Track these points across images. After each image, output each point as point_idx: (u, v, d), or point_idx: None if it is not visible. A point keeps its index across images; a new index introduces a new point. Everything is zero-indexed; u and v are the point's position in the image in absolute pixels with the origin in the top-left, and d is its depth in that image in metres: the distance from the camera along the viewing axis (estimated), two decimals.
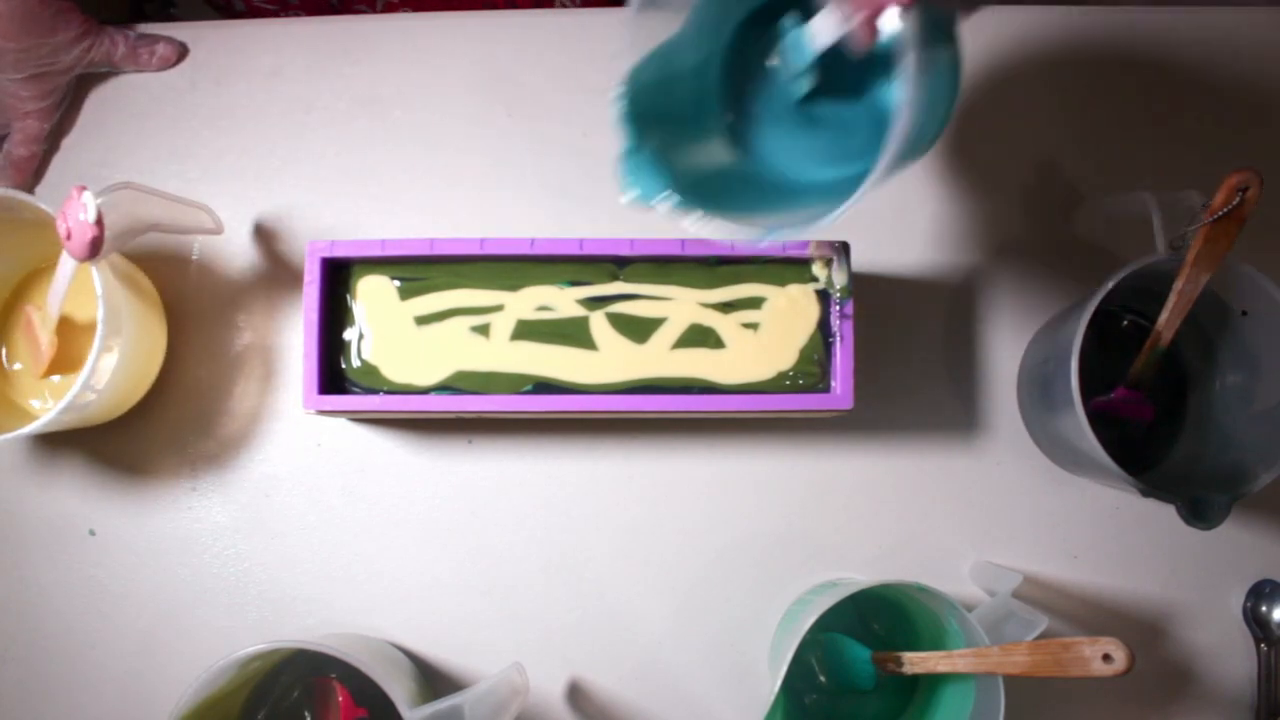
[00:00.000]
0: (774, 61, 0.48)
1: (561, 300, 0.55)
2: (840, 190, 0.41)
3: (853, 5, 0.38)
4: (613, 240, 0.54)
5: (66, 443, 0.61)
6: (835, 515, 0.60)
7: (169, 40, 0.64)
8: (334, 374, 0.55)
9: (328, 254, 0.54)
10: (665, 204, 0.45)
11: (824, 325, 0.54)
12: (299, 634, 0.60)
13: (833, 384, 0.54)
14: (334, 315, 0.55)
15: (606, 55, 0.64)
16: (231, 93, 0.65)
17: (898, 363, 0.61)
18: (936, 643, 0.54)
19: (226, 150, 0.64)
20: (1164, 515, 0.59)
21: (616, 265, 0.55)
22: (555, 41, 0.65)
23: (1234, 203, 0.49)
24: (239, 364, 0.62)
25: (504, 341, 0.55)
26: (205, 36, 0.65)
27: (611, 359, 0.54)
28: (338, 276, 0.56)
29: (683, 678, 0.59)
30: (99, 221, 0.50)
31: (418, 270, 0.55)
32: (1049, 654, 0.47)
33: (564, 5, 0.72)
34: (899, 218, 0.63)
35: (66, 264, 0.53)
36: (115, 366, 0.54)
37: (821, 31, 0.41)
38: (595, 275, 0.55)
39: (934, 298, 0.62)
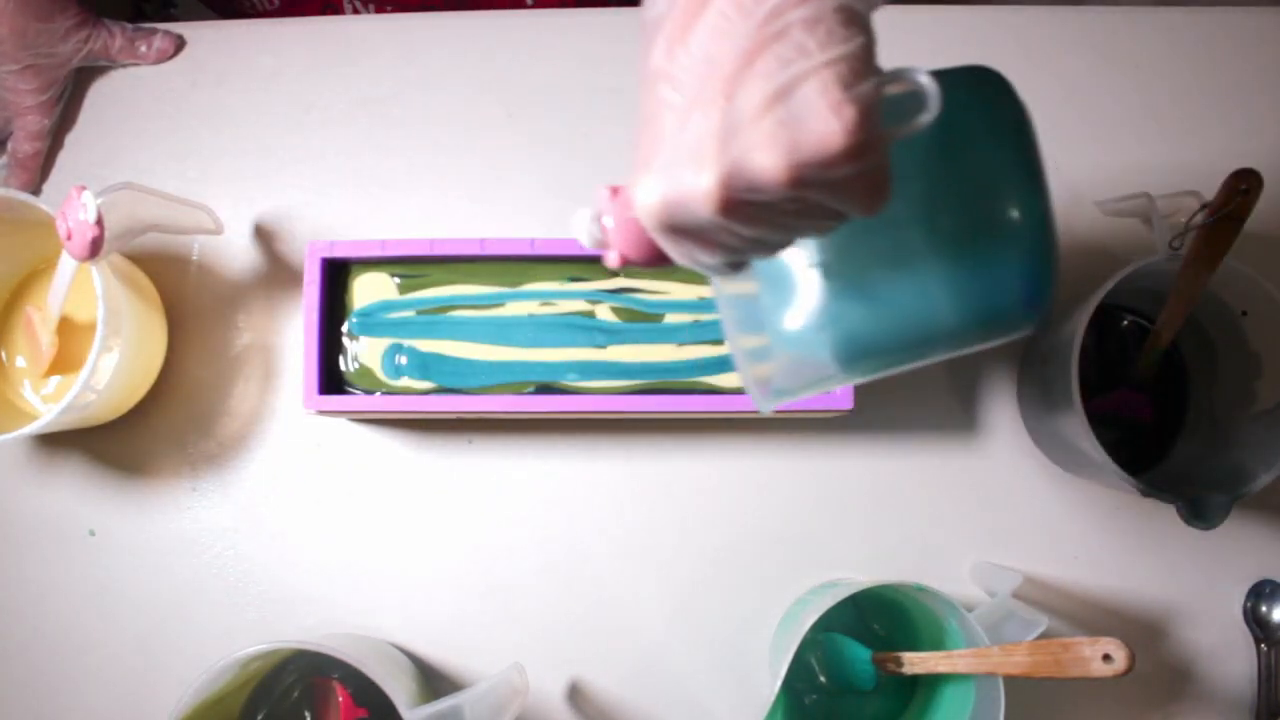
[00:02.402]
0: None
1: (564, 298, 0.55)
2: None
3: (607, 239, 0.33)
4: None
5: (66, 443, 0.61)
6: (835, 515, 0.60)
7: (166, 33, 0.64)
8: (334, 374, 0.55)
9: (328, 254, 0.54)
10: None
11: None
12: (299, 634, 0.60)
13: None
14: (334, 315, 0.55)
15: (606, 55, 0.64)
16: (231, 92, 0.65)
17: None
18: (936, 643, 0.54)
19: (226, 150, 0.64)
20: (1164, 515, 0.59)
21: None
22: (555, 41, 0.65)
23: (1234, 203, 0.49)
24: (239, 364, 0.62)
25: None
26: (205, 36, 0.65)
27: (615, 354, 0.55)
28: (337, 276, 0.56)
29: (683, 678, 0.59)
30: (99, 221, 0.50)
31: (418, 269, 0.55)
32: (1049, 654, 0.47)
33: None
34: None
35: (67, 264, 0.53)
36: (115, 366, 0.54)
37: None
38: (596, 273, 0.55)
39: None
